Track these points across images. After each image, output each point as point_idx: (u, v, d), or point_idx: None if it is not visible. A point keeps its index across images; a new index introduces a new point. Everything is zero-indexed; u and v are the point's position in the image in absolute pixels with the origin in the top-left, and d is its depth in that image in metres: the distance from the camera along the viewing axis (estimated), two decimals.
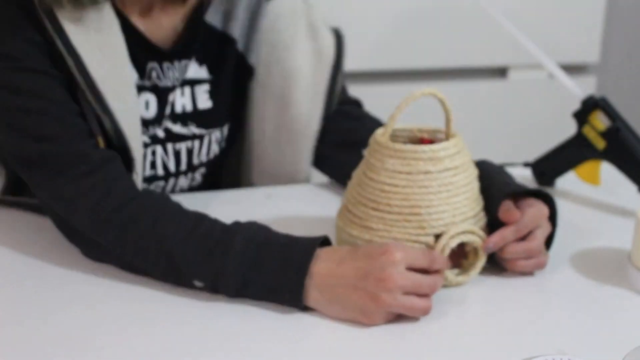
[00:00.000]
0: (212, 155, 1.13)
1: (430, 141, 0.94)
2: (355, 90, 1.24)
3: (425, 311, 0.84)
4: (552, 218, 0.96)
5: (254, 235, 0.88)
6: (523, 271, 0.93)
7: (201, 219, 0.91)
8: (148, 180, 1.07)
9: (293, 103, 1.11)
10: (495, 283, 0.92)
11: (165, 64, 1.04)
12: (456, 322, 0.85)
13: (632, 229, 0.93)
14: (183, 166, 1.10)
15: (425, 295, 0.84)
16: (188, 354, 0.78)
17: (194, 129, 1.09)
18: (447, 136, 0.93)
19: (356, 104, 1.22)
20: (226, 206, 1.12)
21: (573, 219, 1.10)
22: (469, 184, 0.91)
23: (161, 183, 1.09)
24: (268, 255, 0.86)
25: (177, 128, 1.07)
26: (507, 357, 0.78)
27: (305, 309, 0.85)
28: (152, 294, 0.88)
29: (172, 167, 1.09)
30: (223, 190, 1.17)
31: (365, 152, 0.92)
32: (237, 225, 0.90)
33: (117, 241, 0.90)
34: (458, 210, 0.89)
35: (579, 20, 2.03)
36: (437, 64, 1.98)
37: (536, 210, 0.93)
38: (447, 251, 0.88)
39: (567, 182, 1.18)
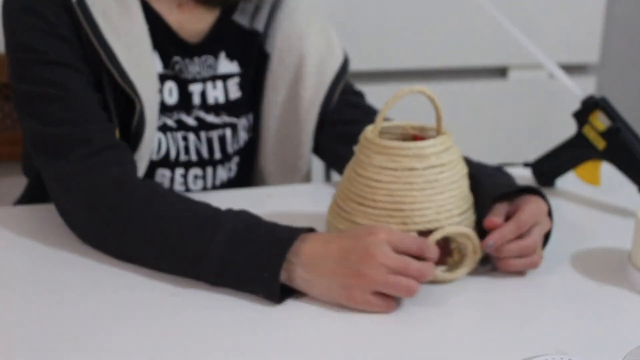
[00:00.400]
0: (242, 143, 1.20)
1: (422, 138, 0.94)
2: None
3: (410, 291, 0.84)
4: (549, 214, 0.96)
5: (244, 217, 0.90)
6: (515, 270, 0.93)
7: (194, 202, 0.93)
8: (185, 165, 1.14)
9: (299, 89, 1.17)
10: (495, 283, 0.92)
11: (187, 60, 1.12)
12: (456, 322, 0.85)
13: (632, 229, 0.93)
14: (217, 154, 1.16)
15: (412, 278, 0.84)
16: (185, 349, 0.78)
17: (225, 118, 1.16)
18: (438, 134, 0.94)
19: (360, 95, 1.24)
20: (226, 206, 1.12)
21: (573, 219, 1.10)
22: (457, 181, 0.91)
23: (199, 171, 1.15)
24: (254, 234, 0.87)
25: (210, 118, 1.14)
26: (507, 357, 0.78)
27: (281, 298, 0.85)
28: (150, 291, 0.88)
29: (205, 153, 1.15)
30: (223, 190, 1.17)
31: (355, 149, 0.93)
32: (229, 209, 0.92)
33: (110, 222, 0.92)
34: (443, 208, 0.89)
35: (579, 20, 2.03)
36: (437, 64, 1.98)
37: (535, 206, 0.93)
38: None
39: (567, 182, 1.19)
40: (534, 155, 1.21)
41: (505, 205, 0.94)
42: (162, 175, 1.13)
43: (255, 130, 1.21)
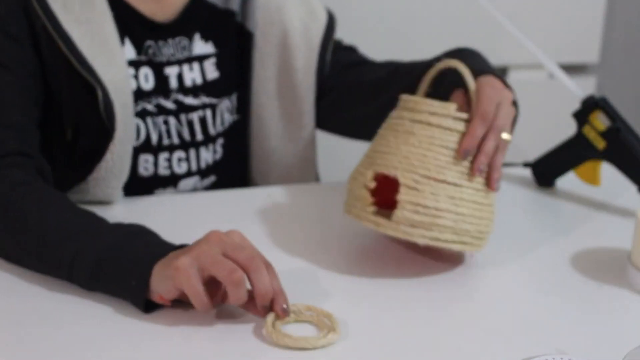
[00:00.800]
0: (226, 124, 1.19)
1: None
2: None
3: (233, 276, 0.78)
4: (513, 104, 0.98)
5: (125, 226, 0.89)
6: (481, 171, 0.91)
7: (83, 210, 0.92)
8: (168, 149, 1.13)
9: (290, 61, 1.17)
10: (495, 283, 0.92)
11: (160, 42, 1.11)
12: (456, 321, 0.85)
13: (632, 229, 0.93)
14: (199, 136, 1.15)
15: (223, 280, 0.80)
16: None
17: (204, 99, 1.15)
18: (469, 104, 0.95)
19: (350, 49, 1.26)
20: (226, 206, 1.12)
21: (573, 219, 1.10)
22: (438, 145, 0.91)
23: (182, 154, 1.15)
24: (129, 243, 0.85)
25: (189, 100, 1.14)
26: (507, 357, 0.78)
27: (148, 307, 0.83)
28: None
29: (187, 136, 1.14)
30: (223, 190, 1.17)
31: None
32: (117, 223, 0.90)
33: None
34: (406, 159, 0.90)
35: (579, 20, 2.03)
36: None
37: (490, 89, 0.93)
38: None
39: (567, 182, 1.19)
40: (534, 155, 1.21)
41: (462, 92, 0.96)
42: (145, 160, 1.13)
43: (243, 111, 1.21)
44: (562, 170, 1.18)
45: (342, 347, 0.80)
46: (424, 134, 0.90)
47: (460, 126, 0.91)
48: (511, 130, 0.95)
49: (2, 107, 1.00)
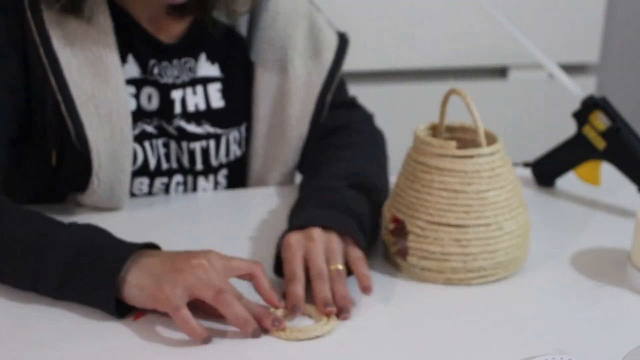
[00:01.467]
0: (232, 156, 1.13)
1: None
2: (355, 90, 1.24)
3: (218, 296, 0.78)
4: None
5: (85, 229, 0.86)
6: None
7: (45, 218, 0.89)
8: (166, 173, 1.09)
9: (286, 103, 1.11)
10: (494, 283, 0.92)
11: (165, 63, 1.06)
12: (456, 322, 0.85)
13: (632, 229, 0.93)
14: (199, 165, 1.11)
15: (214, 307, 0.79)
16: None
17: (208, 128, 1.10)
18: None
19: (350, 106, 1.20)
20: (226, 206, 1.12)
21: (573, 219, 1.10)
22: (443, 189, 0.90)
23: (180, 178, 1.11)
24: (91, 248, 0.83)
25: (192, 127, 1.08)
26: (507, 357, 0.78)
27: (120, 314, 0.82)
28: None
29: (186, 163, 1.10)
30: (222, 191, 1.17)
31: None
32: (72, 223, 0.88)
33: None
34: (413, 205, 0.90)
35: (579, 20, 2.03)
36: (437, 64, 1.98)
37: (286, 247, 0.88)
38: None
39: (567, 182, 1.18)
40: (534, 155, 1.21)
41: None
42: (141, 182, 1.09)
43: (246, 144, 1.15)
44: (562, 170, 1.18)
45: (342, 348, 0.80)
46: (425, 178, 0.90)
47: (460, 165, 0.89)
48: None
49: None
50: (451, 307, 0.87)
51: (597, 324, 0.85)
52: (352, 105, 1.21)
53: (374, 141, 1.16)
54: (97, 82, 0.99)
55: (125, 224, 1.03)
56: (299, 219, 0.93)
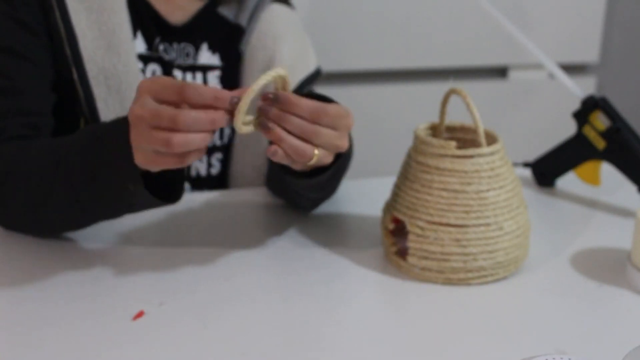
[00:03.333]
0: (225, 139, 1.18)
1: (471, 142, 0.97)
2: (355, 90, 1.25)
3: (165, 143, 0.75)
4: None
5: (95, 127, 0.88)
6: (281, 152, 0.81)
7: (52, 148, 0.91)
8: None
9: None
10: (495, 283, 0.92)
11: (166, 44, 1.12)
12: (456, 321, 0.85)
13: (632, 229, 0.93)
14: None
15: (171, 129, 0.75)
16: None
17: None
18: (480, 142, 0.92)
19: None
20: (225, 206, 1.12)
21: (573, 219, 1.10)
22: (443, 189, 0.90)
23: None
24: (104, 134, 0.85)
25: None
26: (507, 357, 0.78)
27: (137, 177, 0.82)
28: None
29: None
30: (221, 190, 1.17)
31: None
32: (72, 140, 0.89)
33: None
34: (413, 205, 0.90)
35: (579, 20, 2.03)
36: (437, 64, 1.98)
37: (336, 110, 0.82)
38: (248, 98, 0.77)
39: (567, 182, 1.19)
40: (534, 155, 1.21)
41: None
42: None
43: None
44: (562, 170, 1.18)
45: (341, 340, 0.80)
46: (425, 178, 0.90)
47: (460, 165, 0.89)
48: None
49: (18, 95, 1.00)
50: (451, 307, 0.87)
51: (597, 324, 0.85)
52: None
53: None
54: (109, 55, 1.05)
55: (126, 223, 1.03)
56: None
